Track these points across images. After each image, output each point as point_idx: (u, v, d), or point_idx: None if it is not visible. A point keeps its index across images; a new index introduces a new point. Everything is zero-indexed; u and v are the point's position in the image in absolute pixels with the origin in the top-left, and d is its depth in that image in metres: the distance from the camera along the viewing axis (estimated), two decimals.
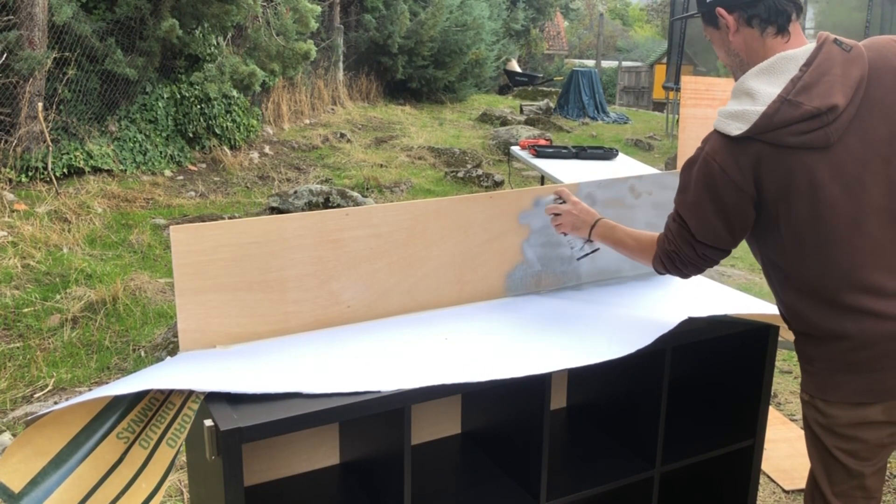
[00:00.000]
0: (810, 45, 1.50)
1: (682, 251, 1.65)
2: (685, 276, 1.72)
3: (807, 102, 1.43)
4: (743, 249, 4.06)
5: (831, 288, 1.50)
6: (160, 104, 7.48)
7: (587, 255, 1.99)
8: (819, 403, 1.56)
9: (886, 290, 1.48)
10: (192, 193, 6.93)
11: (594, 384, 2.20)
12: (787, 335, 2.20)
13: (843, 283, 1.49)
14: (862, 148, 1.46)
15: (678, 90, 10.44)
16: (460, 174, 8.23)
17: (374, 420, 1.71)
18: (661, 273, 1.76)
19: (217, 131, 8.07)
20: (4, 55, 5.95)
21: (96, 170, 6.69)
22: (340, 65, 12.01)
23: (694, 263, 1.66)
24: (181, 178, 7.32)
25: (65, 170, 6.42)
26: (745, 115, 1.47)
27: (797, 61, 1.48)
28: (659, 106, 18.06)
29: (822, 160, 1.46)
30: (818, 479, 1.62)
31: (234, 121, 8.29)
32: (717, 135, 1.53)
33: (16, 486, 1.44)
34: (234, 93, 8.19)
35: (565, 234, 2.01)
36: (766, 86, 1.48)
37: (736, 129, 1.48)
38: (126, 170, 6.95)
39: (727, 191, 1.52)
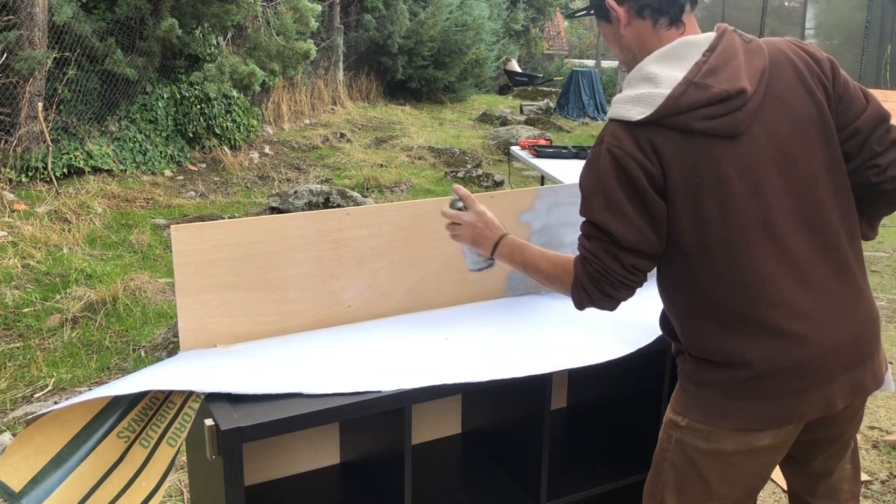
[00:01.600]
0: (710, 34, 1.43)
1: (608, 267, 1.41)
2: (613, 303, 1.47)
3: (715, 84, 1.34)
4: None
5: (739, 303, 1.37)
6: (160, 104, 7.48)
7: (482, 269, 1.76)
8: (701, 428, 1.43)
9: (798, 306, 1.37)
10: (192, 193, 6.93)
11: (594, 384, 2.20)
12: None
13: (754, 296, 1.36)
14: (768, 143, 1.37)
15: None
16: (460, 174, 8.23)
17: (374, 420, 1.71)
18: (580, 306, 1.51)
19: (217, 131, 8.07)
20: (4, 55, 5.95)
21: (96, 170, 6.69)
22: (340, 65, 12.01)
23: (623, 282, 1.42)
24: (181, 178, 7.32)
25: (65, 170, 6.42)
26: (647, 98, 1.36)
27: (699, 47, 1.39)
28: None
29: (729, 152, 1.35)
30: (667, 494, 1.51)
31: (234, 121, 8.29)
32: (615, 123, 1.40)
33: (16, 485, 1.44)
34: (234, 93, 8.19)
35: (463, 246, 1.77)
36: (668, 70, 1.38)
37: (638, 113, 1.35)
38: (126, 170, 6.95)
39: (640, 177, 1.36)
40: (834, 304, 1.40)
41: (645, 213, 1.38)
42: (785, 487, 2.80)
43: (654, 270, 1.50)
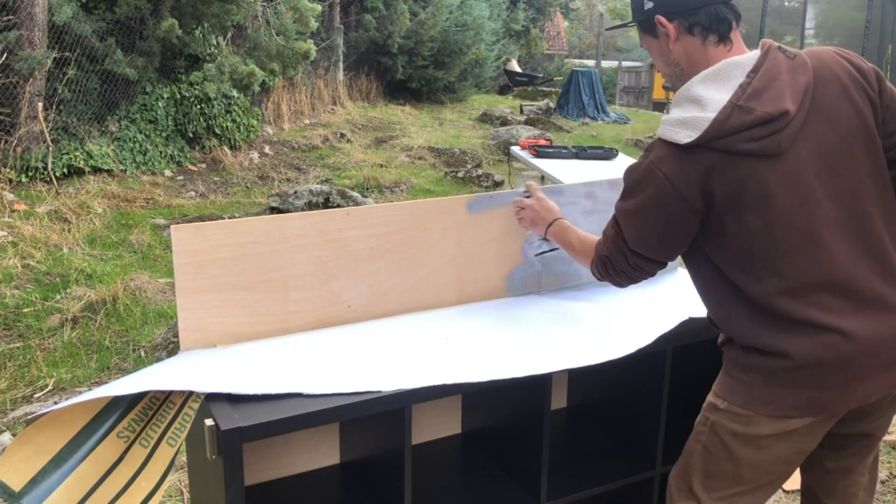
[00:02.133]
0: (755, 52, 1.47)
1: (615, 258, 1.59)
2: (619, 284, 1.66)
3: (758, 107, 1.39)
4: None
5: (784, 306, 1.44)
6: (160, 104, 7.47)
7: (544, 252, 1.97)
8: (739, 412, 1.50)
9: (841, 307, 1.43)
10: (192, 193, 6.93)
11: (594, 384, 2.20)
12: None
13: (798, 299, 1.43)
14: (812, 157, 1.42)
15: None
16: (460, 174, 8.23)
17: (374, 420, 1.71)
18: (598, 279, 1.71)
19: (217, 131, 8.07)
20: (4, 55, 5.95)
21: (96, 170, 6.69)
22: (340, 65, 12.01)
23: (626, 273, 1.60)
24: (181, 178, 7.32)
25: (65, 170, 6.42)
26: (694, 122, 1.42)
27: (744, 67, 1.44)
28: (659, 106, 18.06)
29: (774, 169, 1.41)
30: (694, 478, 1.58)
31: (234, 121, 8.29)
32: (664, 143, 1.46)
33: (16, 485, 1.44)
34: (234, 93, 8.19)
35: (527, 230, 2.02)
36: (714, 92, 1.43)
37: (685, 136, 1.42)
38: (126, 170, 6.95)
39: (670, 201, 1.45)
40: (878, 305, 1.44)
41: (662, 230, 1.50)
42: (786, 487, 2.80)
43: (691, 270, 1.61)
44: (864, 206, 1.45)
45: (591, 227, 1.96)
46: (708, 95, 1.43)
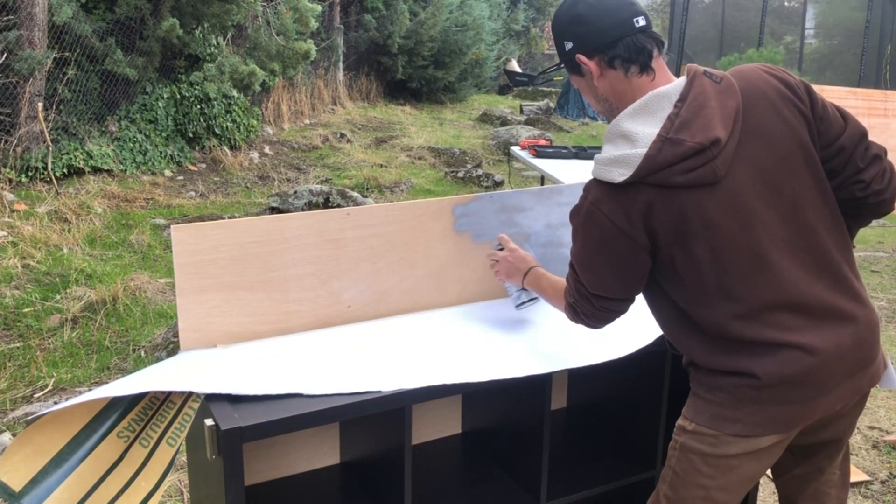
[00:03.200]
0: (681, 81, 1.46)
1: (580, 305, 1.56)
2: (594, 327, 1.61)
3: (688, 139, 1.38)
4: None
5: (739, 328, 1.43)
6: (160, 104, 7.47)
7: (524, 303, 1.92)
8: (707, 433, 1.48)
9: (798, 323, 1.42)
10: (192, 193, 6.93)
11: (594, 384, 2.20)
12: None
13: (752, 320, 1.42)
14: (751, 179, 1.41)
15: None
16: (460, 174, 8.23)
17: (374, 420, 1.71)
18: (573, 321, 1.65)
19: (217, 131, 8.07)
20: (4, 55, 5.95)
21: (96, 170, 6.69)
22: (340, 65, 12.01)
23: (595, 316, 1.57)
24: (181, 178, 7.32)
25: (65, 170, 6.42)
26: (626, 159, 1.40)
27: (670, 98, 1.42)
28: None
29: (713, 197, 1.40)
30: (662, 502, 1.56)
31: (234, 121, 8.29)
32: (600, 183, 1.45)
33: (16, 484, 1.44)
34: (234, 93, 8.19)
35: (503, 282, 1.97)
36: (642, 126, 1.42)
37: (619, 175, 1.41)
38: (126, 170, 6.95)
39: (617, 242, 1.44)
40: (834, 316, 1.44)
41: (616, 271, 1.48)
42: None
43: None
44: (808, 221, 1.45)
45: None
46: (637, 130, 1.42)
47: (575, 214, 1.51)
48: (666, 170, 1.38)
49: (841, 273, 1.47)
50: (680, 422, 1.55)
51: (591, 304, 1.54)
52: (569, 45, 1.51)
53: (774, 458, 1.52)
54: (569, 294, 1.60)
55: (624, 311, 1.58)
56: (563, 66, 1.57)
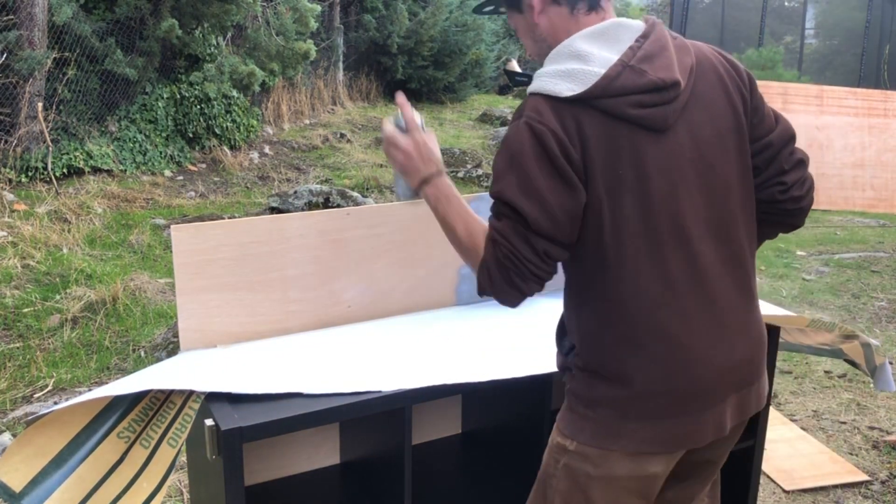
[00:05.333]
0: (640, 21, 1.34)
1: (518, 251, 1.27)
2: (517, 297, 1.32)
3: (651, 72, 1.26)
4: None
5: (643, 312, 1.30)
6: (160, 104, 7.48)
7: (410, 200, 1.54)
8: (591, 452, 1.35)
9: (699, 321, 1.32)
10: (192, 193, 6.93)
11: None
12: (786, 336, 2.20)
13: (658, 305, 1.29)
14: (689, 144, 1.31)
15: None
16: (460, 174, 8.23)
17: (374, 420, 1.71)
18: (480, 293, 1.35)
19: (217, 131, 8.07)
20: (4, 55, 5.95)
21: (96, 170, 6.69)
22: (340, 65, 12.01)
23: (533, 270, 1.28)
24: (181, 178, 7.32)
25: (65, 170, 6.42)
26: (579, 74, 1.25)
27: (633, 31, 1.31)
28: None
29: (653, 146, 1.27)
30: None
31: (233, 121, 8.29)
32: (538, 98, 1.28)
33: (17, 485, 1.44)
34: (234, 93, 8.19)
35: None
36: (599, 49, 1.28)
37: (567, 89, 1.25)
38: (126, 170, 6.95)
39: (560, 157, 1.24)
40: (733, 321, 1.36)
41: (562, 197, 1.26)
42: (785, 487, 2.81)
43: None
44: (730, 209, 1.35)
45: None
46: (593, 52, 1.27)
47: (507, 142, 1.29)
48: (621, 97, 1.25)
49: (748, 275, 1.39)
50: (558, 439, 1.42)
51: (533, 248, 1.27)
52: None
53: (661, 481, 1.41)
54: (498, 246, 1.28)
55: (555, 271, 1.32)
56: (499, 1, 1.43)
